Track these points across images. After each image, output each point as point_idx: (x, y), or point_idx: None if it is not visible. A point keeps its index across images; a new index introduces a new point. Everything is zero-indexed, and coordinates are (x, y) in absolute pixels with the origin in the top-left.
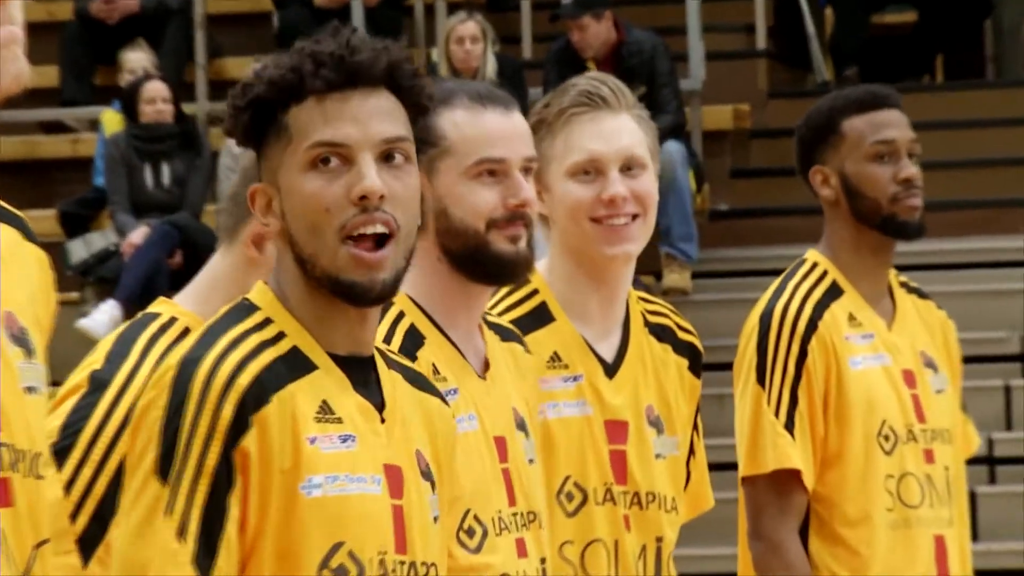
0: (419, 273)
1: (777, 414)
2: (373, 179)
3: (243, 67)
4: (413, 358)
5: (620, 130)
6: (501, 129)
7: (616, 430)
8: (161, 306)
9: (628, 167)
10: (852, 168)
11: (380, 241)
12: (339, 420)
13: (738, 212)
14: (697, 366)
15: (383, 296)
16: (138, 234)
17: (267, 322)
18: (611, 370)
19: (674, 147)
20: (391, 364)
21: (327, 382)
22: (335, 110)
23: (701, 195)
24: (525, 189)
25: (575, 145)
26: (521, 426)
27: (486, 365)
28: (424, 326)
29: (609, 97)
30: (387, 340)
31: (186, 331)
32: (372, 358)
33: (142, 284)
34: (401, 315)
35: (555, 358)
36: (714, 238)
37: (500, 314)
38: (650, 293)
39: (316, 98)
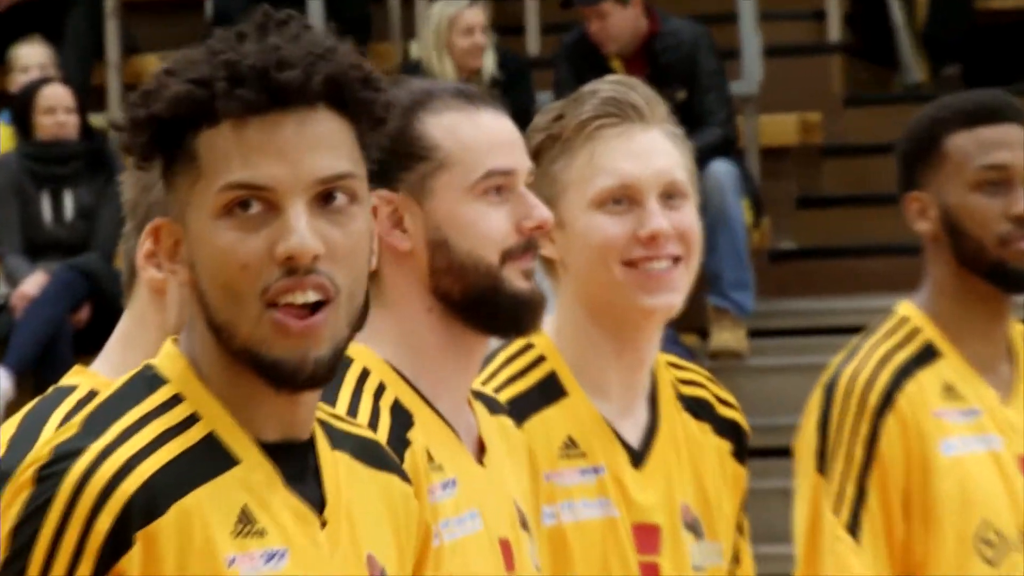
0: (397, 330)
1: (838, 512)
2: (303, 235)
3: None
4: (404, 444)
5: (655, 149)
6: (503, 134)
7: (646, 536)
8: (77, 377)
9: (669, 195)
10: (954, 198)
11: (315, 306)
12: (262, 532)
13: (806, 252)
14: (742, 450)
15: (318, 377)
16: (33, 283)
17: (175, 400)
18: (638, 458)
19: (723, 168)
20: (336, 440)
21: (251, 480)
22: (257, 141)
23: (759, 230)
24: (540, 207)
25: (603, 166)
26: (524, 524)
27: (481, 447)
28: (409, 399)
29: (642, 107)
30: (372, 424)
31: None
32: (311, 441)
33: (39, 348)
34: (381, 389)
35: (570, 444)
36: (775, 286)
37: (499, 389)
38: (695, 358)
39: (233, 123)
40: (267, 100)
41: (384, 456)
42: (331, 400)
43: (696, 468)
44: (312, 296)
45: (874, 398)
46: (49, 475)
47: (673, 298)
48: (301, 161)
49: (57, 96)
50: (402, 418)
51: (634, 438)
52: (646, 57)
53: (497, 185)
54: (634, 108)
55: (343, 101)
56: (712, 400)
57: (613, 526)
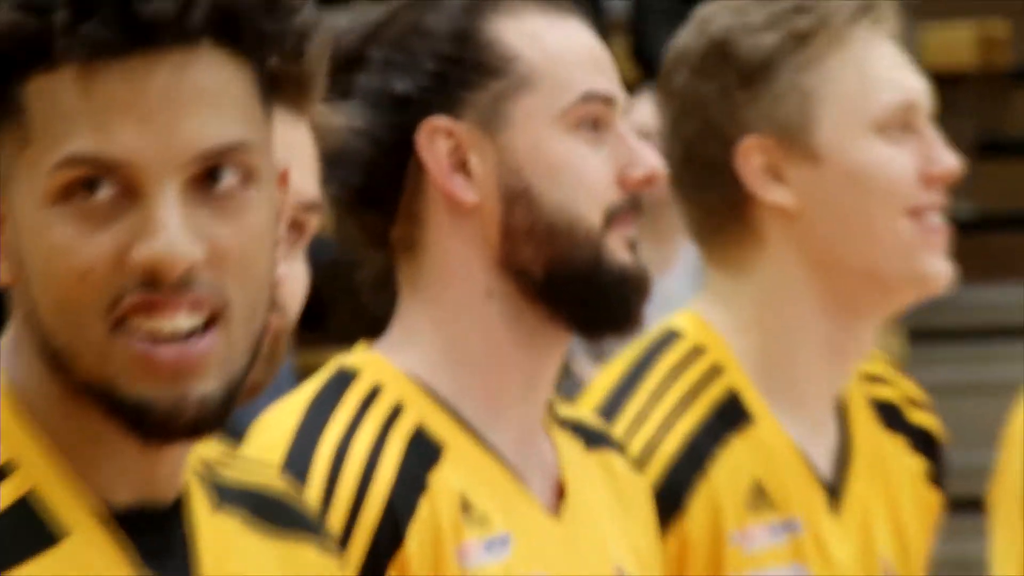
0: (435, 325)
1: None
2: (173, 236)
3: None
4: (418, 488)
5: (906, 63)
6: (598, 51)
7: None
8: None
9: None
10: None
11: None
12: None
13: (991, 219)
14: (940, 469)
15: (202, 423)
16: None
17: None
18: (833, 494)
19: None
20: (224, 496)
21: (84, 562)
22: (110, 95)
23: None
24: (648, 151)
25: (879, 77)
26: None
27: (560, 491)
28: (442, 426)
29: (887, 6)
30: (371, 462)
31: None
32: (177, 505)
33: None
34: (397, 412)
35: (758, 492)
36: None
37: (669, 417)
38: None
39: (77, 69)
40: (126, 38)
41: (296, 514)
42: (318, 430)
43: (893, 505)
44: (184, 322)
45: None
46: None
47: (950, 268)
48: (174, 126)
49: None
50: (425, 452)
51: (825, 463)
52: None
53: (595, 116)
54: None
55: (237, 36)
56: (902, 403)
57: None
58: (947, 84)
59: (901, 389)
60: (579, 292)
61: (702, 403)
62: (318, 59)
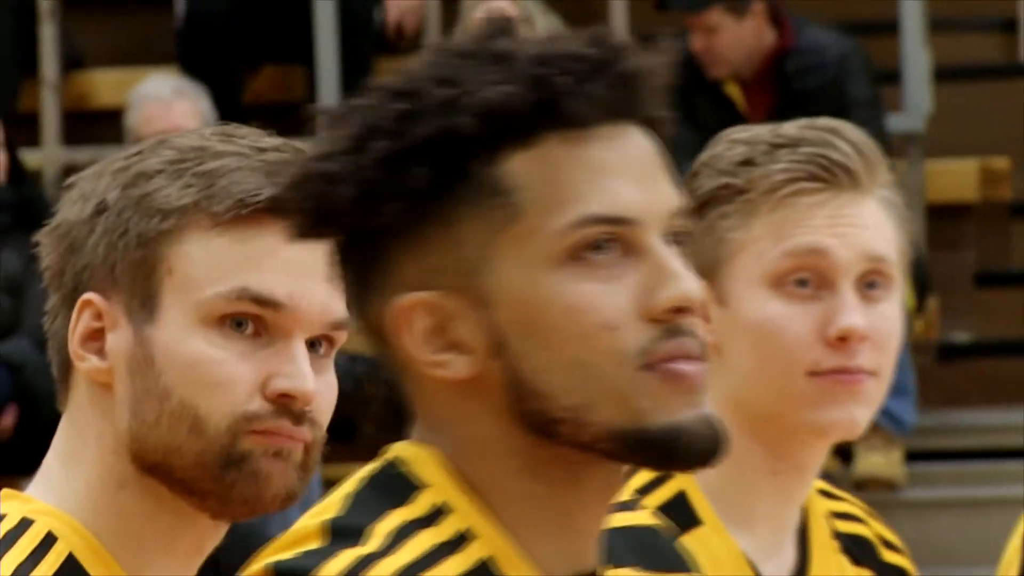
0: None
1: None
2: (690, 283)
3: (121, 88)
4: None
5: (865, 223)
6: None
7: None
8: (8, 503)
9: (870, 283)
10: None
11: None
12: None
13: (988, 346)
14: None
15: (722, 447)
16: None
17: (440, 512)
18: None
19: None
20: (614, 553)
21: None
22: (602, 159)
23: (923, 317)
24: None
25: (791, 233)
26: None
27: None
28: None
29: (858, 170)
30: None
31: (49, 540)
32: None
33: None
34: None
35: None
36: (945, 392)
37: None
38: (835, 486)
39: (564, 137)
40: (623, 105)
41: (672, 552)
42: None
43: None
44: (700, 349)
45: None
46: None
47: (859, 413)
48: (657, 185)
49: None
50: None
51: None
52: (774, 81)
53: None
54: (846, 171)
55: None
56: (875, 541)
57: None
58: (949, 216)
59: (875, 530)
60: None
61: (656, 498)
62: None
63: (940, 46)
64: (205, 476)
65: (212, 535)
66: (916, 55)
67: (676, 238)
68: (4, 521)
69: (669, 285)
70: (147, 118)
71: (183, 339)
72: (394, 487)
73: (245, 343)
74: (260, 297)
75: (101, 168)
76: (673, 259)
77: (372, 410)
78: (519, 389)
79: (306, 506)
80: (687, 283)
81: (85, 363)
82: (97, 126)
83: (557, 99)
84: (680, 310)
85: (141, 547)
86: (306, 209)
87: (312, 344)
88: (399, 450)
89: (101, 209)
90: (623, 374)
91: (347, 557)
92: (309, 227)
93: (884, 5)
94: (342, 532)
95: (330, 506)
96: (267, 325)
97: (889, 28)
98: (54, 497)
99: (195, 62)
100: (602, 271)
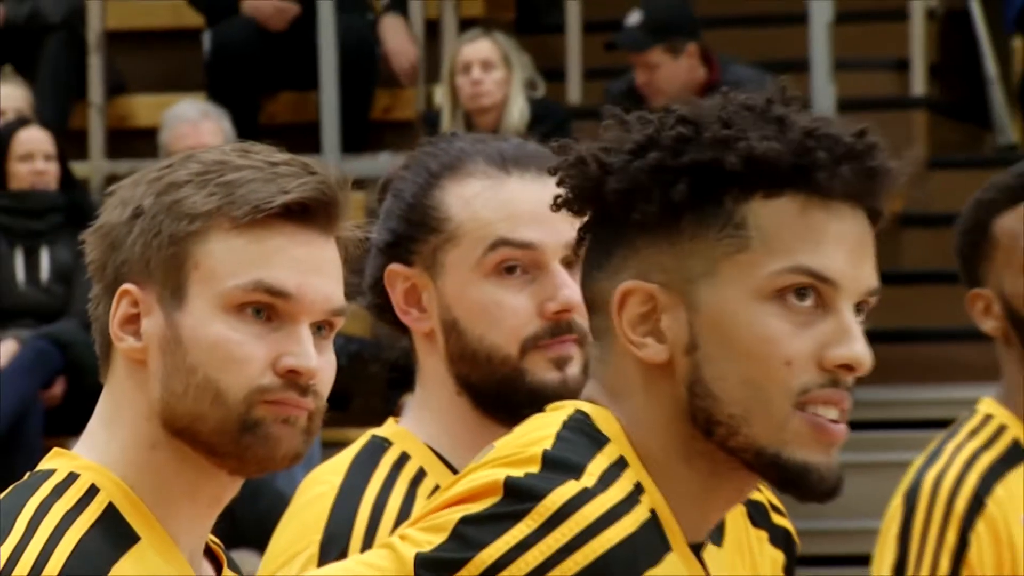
0: (431, 412)
1: None
2: (863, 349)
3: (157, 110)
4: None
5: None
6: (527, 203)
7: None
8: (56, 460)
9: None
10: (1009, 286)
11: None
12: None
13: (883, 335)
14: (792, 566)
15: (838, 490)
16: (2, 352)
17: (624, 464)
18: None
19: None
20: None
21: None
22: (824, 226)
23: None
24: (569, 287)
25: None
26: None
27: None
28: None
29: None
30: (402, 517)
31: (92, 491)
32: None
33: (7, 424)
34: (422, 473)
35: None
36: None
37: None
38: None
39: (803, 200)
40: (860, 186)
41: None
42: (360, 486)
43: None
44: (840, 414)
45: (961, 503)
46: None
47: None
48: (864, 264)
49: (35, 140)
50: None
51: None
52: None
53: (509, 261)
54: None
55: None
56: (767, 505)
57: None
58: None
59: (766, 495)
60: (504, 403)
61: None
62: (344, 191)
63: (843, 82)
64: (225, 439)
65: (230, 488)
66: (824, 89)
67: (861, 309)
68: (54, 475)
69: (847, 345)
70: (178, 136)
71: (207, 323)
72: (589, 434)
73: (259, 327)
74: (272, 288)
75: (138, 178)
76: (856, 326)
77: (366, 384)
78: (696, 386)
79: (308, 464)
80: (861, 349)
81: (123, 343)
82: (136, 142)
83: (813, 169)
84: (848, 368)
85: (169, 498)
86: (575, 186)
87: (316, 328)
88: (579, 405)
89: (138, 213)
90: (782, 404)
91: (573, 488)
92: (571, 201)
93: (796, 47)
94: (558, 464)
95: (536, 439)
96: (278, 312)
97: (801, 66)
98: (96, 455)
99: (220, 89)
100: (797, 316)
